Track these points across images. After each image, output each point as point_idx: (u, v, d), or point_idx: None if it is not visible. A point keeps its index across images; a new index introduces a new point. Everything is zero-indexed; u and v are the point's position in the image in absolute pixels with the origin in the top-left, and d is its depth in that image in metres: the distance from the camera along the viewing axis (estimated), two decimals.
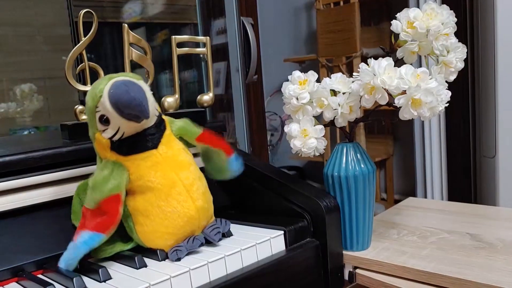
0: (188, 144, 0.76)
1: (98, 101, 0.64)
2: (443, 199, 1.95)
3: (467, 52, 0.76)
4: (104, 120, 0.65)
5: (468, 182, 1.87)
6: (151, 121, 0.68)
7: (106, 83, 0.64)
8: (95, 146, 0.69)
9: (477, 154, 1.83)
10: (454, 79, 0.77)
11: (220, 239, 0.71)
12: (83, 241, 0.63)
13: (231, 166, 0.78)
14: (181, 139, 0.75)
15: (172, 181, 0.68)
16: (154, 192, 0.67)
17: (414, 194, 2.06)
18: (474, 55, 1.76)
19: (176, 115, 0.78)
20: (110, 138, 0.66)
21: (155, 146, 0.68)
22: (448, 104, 0.73)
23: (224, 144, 0.78)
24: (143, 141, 0.67)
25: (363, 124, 2.21)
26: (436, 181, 1.96)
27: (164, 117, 0.72)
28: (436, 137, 1.94)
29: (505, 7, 1.57)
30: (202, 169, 0.76)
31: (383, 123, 2.48)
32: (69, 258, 0.63)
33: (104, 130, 0.66)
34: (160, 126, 0.70)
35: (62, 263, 0.63)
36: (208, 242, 0.71)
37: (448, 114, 1.86)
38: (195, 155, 0.89)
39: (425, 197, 2.00)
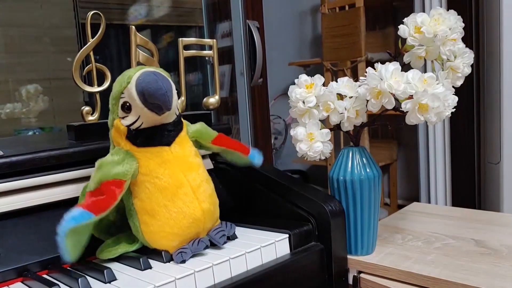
0: (202, 147, 0.78)
1: (125, 87, 0.65)
2: (447, 204, 1.94)
3: (473, 57, 0.76)
4: (127, 107, 0.66)
5: (472, 188, 1.86)
6: (170, 117, 0.69)
7: (136, 72, 0.65)
8: (111, 132, 0.70)
9: (481, 160, 1.83)
10: (459, 85, 0.77)
11: (225, 242, 0.72)
12: (72, 216, 0.60)
13: (253, 161, 0.82)
14: (195, 142, 0.76)
15: (180, 181, 0.68)
16: (161, 191, 0.67)
17: (418, 200, 2.05)
18: (479, 61, 1.76)
19: (183, 117, 0.78)
20: (128, 126, 0.67)
21: (169, 143, 0.69)
22: (455, 109, 0.73)
23: (239, 146, 0.80)
24: (159, 136, 0.68)
25: (367, 128, 2.21)
26: (440, 187, 1.95)
27: (182, 120, 0.73)
28: (441, 143, 1.93)
29: (511, 12, 1.57)
30: (209, 172, 0.77)
31: (390, 128, 2.47)
32: (58, 235, 0.60)
33: (124, 117, 0.67)
34: (177, 126, 0.71)
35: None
36: (213, 245, 0.71)
37: (452, 120, 1.86)
38: (203, 156, 0.89)
39: (429, 202, 1.99)
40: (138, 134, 0.68)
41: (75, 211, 0.62)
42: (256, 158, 0.82)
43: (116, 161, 0.66)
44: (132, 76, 0.65)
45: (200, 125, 0.77)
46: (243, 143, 0.82)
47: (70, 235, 0.60)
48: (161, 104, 0.64)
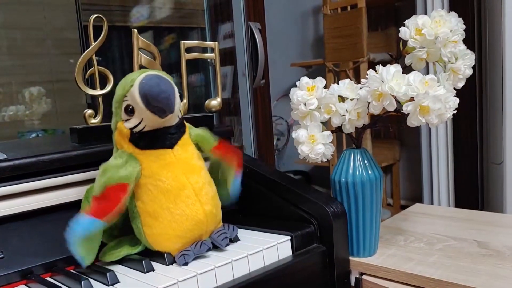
0: (201, 151, 0.77)
1: (128, 91, 0.66)
2: (450, 205, 1.94)
3: (474, 59, 0.76)
4: (130, 110, 0.67)
5: (475, 189, 1.86)
6: (173, 120, 0.69)
7: (139, 75, 0.66)
8: (114, 135, 0.71)
9: (484, 161, 1.83)
10: (462, 86, 0.77)
11: (227, 244, 0.72)
12: (79, 224, 0.62)
13: (234, 187, 0.79)
14: (196, 146, 0.76)
15: (182, 184, 0.69)
16: (164, 193, 0.68)
17: (420, 200, 2.05)
18: (482, 62, 1.76)
19: (184, 120, 0.78)
20: (131, 129, 0.68)
21: (171, 145, 0.69)
22: (456, 111, 0.73)
23: (236, 159, 0.79)
24: (161, 138, 0.69)
25: (369, 129, 2.21)
26: (443, 187, 1.95)
27: (185, 122, 0.74)
28: (443, 143, 1.93)
29: None
30: None
31: (391, 130, 2.47)
32: (69, 244, 0.62)
33: (127, 120, 0.68)
34: (180, 128, 0.71)
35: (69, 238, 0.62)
36: (215, 247, 0.71)
37: (455, 120, 1.86)
38: (206, 159, 0.89)
39: (432, 203, 1.99)
40: (141, 136, 0.68)
41: (82, 218, 0.62)
42: (236, 186, 0.79)
43: (120, 165, 0.67)
44: (135, 79, 0.65)
45: (202, 130, 0.77)
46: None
47: (82, 243, 0.62)
48: (163, 107, 0.64)
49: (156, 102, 0.63)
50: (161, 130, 0.68)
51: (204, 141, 0.77)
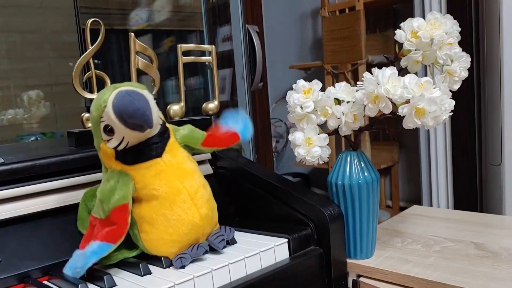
0: (192, 151, 0.77)
1: (103, 111, 0.65)
2: (449, 206, 1.94)
3: (472, 60, 0.76)
4: (109, 130, 0.65)
5: (474, 190, 1.86)
6: (155, 130, 0.68)
7: (110, 93, 0.64)
8: (100, 155, 0.70)
9: (483, 162, 1.83)
10: (460, 87, 0.78)
11: (224, 247, 0.72)
12: (93, 250, 0.64)
13: (244, 140, 0.81)
14: (185, 146, 0.75)
15: (177, 189, 0.69)
16: (159, 200, 0.68)
17: (419, 202, 2.05)
18: (480, 63, 1.76)
19: (181, 123, 0.78)
20: (115, 148, 0.67)
21: (159, 154, 0.69)
22: (452, 113, 0.73)
23: (229, 140, 0.79)
24: (147, 150, 0.68)
25: (368, 131, 2.21)
26: (442, 189, 1.95)
27: (168, 125, 0.73)
28: (442, 145, 1.93)
29: (510, 15, 1.57)
30: (209, 176, 0.77)
31: (387, 132, 2.48)
32: (77, 266, 0.63)
33: (108, 140, 0.67)
34: (164, 135, 0.70)
35: (68, 271, 0.64)
36: (212, 250, 0.71)
37: (453, 122, 1.86)
38: (203, 162, 0.90)
39: (431, 204, 1.99)
40: (127, 153, 0.67)
41: (94, 245, 0.64)
42: (246, 136, 0.80)
43: (114, 186, 0.67)
44: (107, 100, 0.64)
45: (187, 129, 0.76)
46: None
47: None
48: (141, 123, 0.63)
49: (133, 120, 0.62)
50: (144, 143, 0.68)
51: (190, 139, 0.76)
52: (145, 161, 0.68)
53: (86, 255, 0.63)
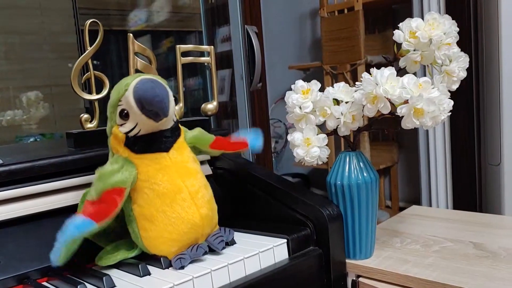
0: (200, 152, 0.78)
1: (123, 95, 0.66)
2: (448, 207, 1.94)
3: (471, 60, 0.76)
4: (124, 115, 0.67)
5: (473, 190, 1.86)
6: (168, 123, 0.69)
7: (134, 79, 0.66)
8: (109, 140, 0.71)
9: (482, 162, 1.83)
10: (459, 87, 0.78)
11: (223, 248, 0.72)
12: (74, 224, 0.61)
13: (253, 149, 0.82)
14: (193, 148, 0.76)
15: (178, 187, 0.69)
16: (160, 196, 0.68)
17: (419, 202, 2.05)
18: (479, 63, 1.76)
19: (181, 123, 0.78)
20: (126, 133, 0.68)
21: (167, 149, 0.70)
22: (451, 113, 0.74)
23: (237, 145, 0.81)
24: (157, 142, 0.69)
25: (367, 131, 2.21)
26: (441, 189, 1.95)
27: (180, 126, 0.74)
28: (441, 145, 1.93)
29: (509, 15, 1.58)
30: (208, 177, 0.77)
31: (386, 132, 2.47)
32: (57, 241, 0.61)
33: (122, 125, 0.68)
34: (175, 132, 0.72)
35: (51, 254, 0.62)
36: (212, 251, 0.71)
37: (452, 122, 1.86)
38: (202, 162, 0.90)
39: (430, 205, 1.99)
40: (136, 141, 0.68)
41: (78, 219, 0.62)
42: (256, 145, 0.82)
43: (116, 169, 0.67)
44: (130, 84, 0.65)
45: (197, 131, 0.78)
46: (238, 137, 0.82)
47: (69, 243, 0.61)
48: (158, 111, 0.64)
49: (151, 106, 0.64)
50: (156, 134, 0.69)
51: (200, 141, 0.77)
52: (152, 153, 0.69)
53: (66, 228, 0.61)
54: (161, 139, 0.69)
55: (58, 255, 0.62)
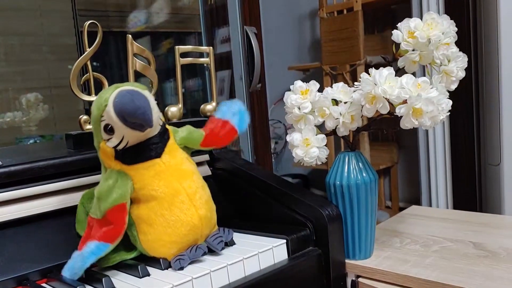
0: (192, 151, 0.77)
1: (103, 110, 0.65)
2: (448, 207, 1.94)
3: (470, 60, 0.76)
4: (109, 129, 0.66)
5: (473, 190, 1.86)
6: (154, 130, 0.68)
7: (112, 92, 0.65)
8: (99, 155, 0.70)
9: (482, 162, 1.83)
10: (458, 87, 0.78)
11: (222, 248, 0.72)
12: (90, 251, 0.64)
13: (241, 131, 0.78)
14: (185, 147, 0.76)
15: (175, 190, 0.69)
16: (158, 200, 0.68)
17: (419, 202, 2.05)
18: (478, 63, 1.76)
19: (179, 125, 0.78)
20: (115, 147, 0.67)
21: (158, 155, 0.69)
22: (450, 113, 0.74)
23: (228, 137, 0.77)
24: (146, 150, 0.68)
25: (367, 132, 2.21)
26: (441, 189, 1.95)
27: (168, 126, 0.73)
28: (441, 145, 1.93)
29: (508, 15, 1.58)
30: (207, 178, 0.77)
31: (385, 132, 2.47)
32: (75, 267, 0.64)
33: (108, 139, 0.67)
34: (163, 136, 0.71)
35: (66, 272, 0.64)
36: (211, 251, 0.71)
37: (452, 122, 1.86)
38: (201, 163, 0.90)
39: (430, 205, 1.99)
40: (126, 153, 0.67)
41: (91, 245, 0.64)
42: (243, 126, 0.77)
43: (112, 186, 0.67)
44: (108, 98, 0.64)
45: (185, 132, 0.76)
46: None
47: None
48: (142, 122, 0.63)
49: (133, 119, 0.62)
50: (144, 143, 0.68)
51: (189, 141, 0.76)
52: (144, 161, 0.68)
53: (83, 256, 0.64)
54: (151, 146, 0.68)
55: (77, 278, 0.64)
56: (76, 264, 0.64)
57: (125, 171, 0.68)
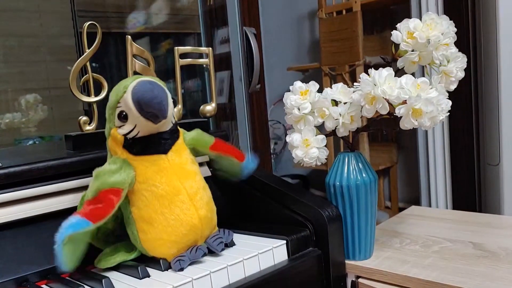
0: (198, 154, 0.79)
1: (121, 97, 0.66)
2: (447, 207, 1.94)
3: (470, 61, 0.76)
4: (123, 117, 0.67)
5: (472, 190, 1.86)
6: (166, 126, 0.69)
7: (132, 81, 0.66)
8: (108, 141, 0.71)
9: (481, 162, 1.83)
10: (457, 88, 0.78)
11: (223, 249, 0.72)
12: (70, 223, 0.62)
13: (243, 171, 0.83)
14: (192, 149, 0.77)
15: (176, 189, 0.69)
16: (158, 198, 0.68)
17: (418, 203, 2.05)
18: (477, 63, 1.76)
19: (179, 125, 0.78)
20: (125, 135, 0.68)
21: (165, 151, 0.70)
22: (449, 113, 0.74)
23: (235, 151, 0.82)
24: (155, 144, 0.69)
25: (366, 132, 2.21)
26: (441, 189, 1.95)
27: (179, 128, 0.74)
28: (440, 145, 1.93)
29: (507, 16, 1.58)
30: (207, 179, 0.77)
31: (385, 133, 2.48)
32: (57, 237, 0.61)
33: (120, 126, 0.68)
34: (174, 134, 0.72)
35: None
36: (211, 252, 0.71)
37: (451, 122, 1.86)
38: (201, 164, 0.90)
39: (430, 205, 1.99)
40: (135, 142, 0.68)
41: (73, 218, 0.62)
42: (249, 165, 0.83)
43: (114, 170, 0.67)
44: (128, 86, 0.65)
45: (196, 133, 0.78)
46: (242, 150, 0.83)
47: (67, 243, 0.61)
48: (156, 112, 0.64)
49: (149, 108, 0.64)
50: (154, 136, 0.69)
51: (199, 142, 0.78)
52: (150, 155, 0.69)
53: (62, 227, 0.61)
54: (160, 141, 0.69)
55: (61, 259, 0.61)
56: (56, 237, 0.61)
57: (130, 161, 0.68)
